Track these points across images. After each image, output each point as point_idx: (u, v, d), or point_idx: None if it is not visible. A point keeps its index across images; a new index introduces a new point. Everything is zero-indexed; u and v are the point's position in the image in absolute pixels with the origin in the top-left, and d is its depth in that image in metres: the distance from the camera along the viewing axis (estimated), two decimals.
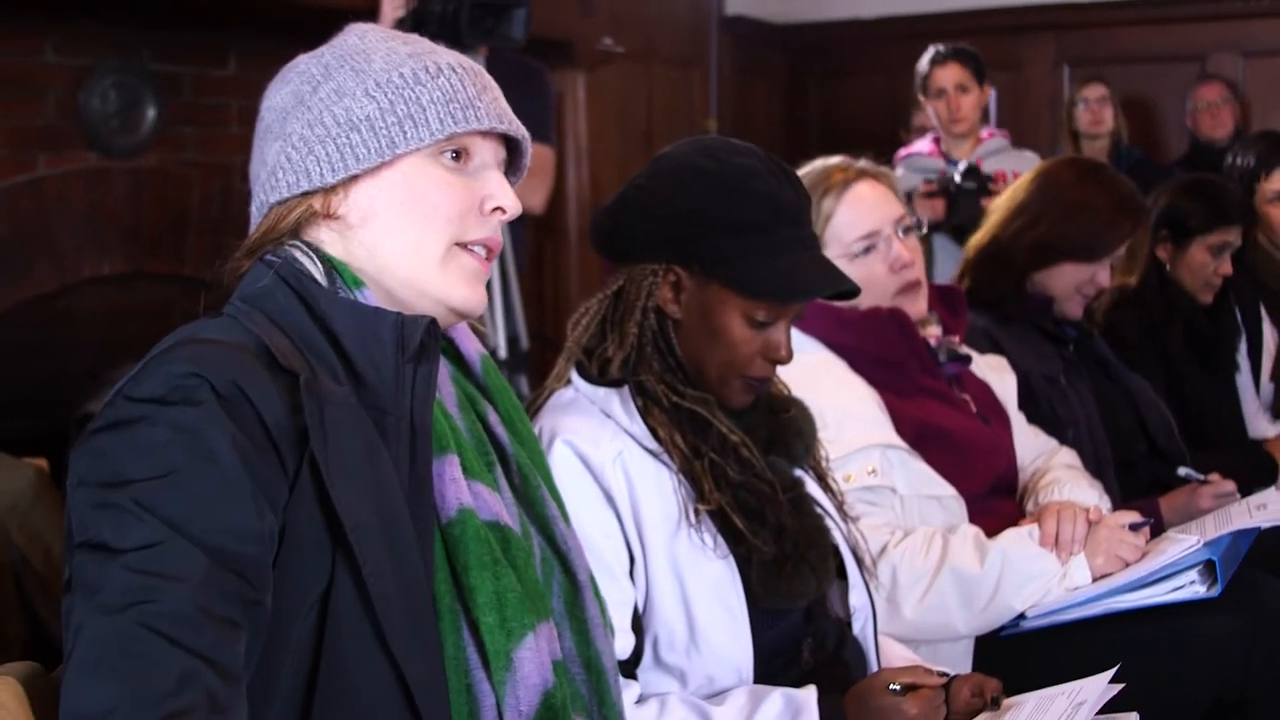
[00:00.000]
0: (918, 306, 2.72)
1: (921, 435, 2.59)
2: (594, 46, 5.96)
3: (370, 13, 3.85)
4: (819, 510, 2.13)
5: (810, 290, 2.07)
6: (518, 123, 1.69)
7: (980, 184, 4.70)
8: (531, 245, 5.42)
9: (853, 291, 2.11)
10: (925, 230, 4.52)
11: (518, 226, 4.09)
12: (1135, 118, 6.70)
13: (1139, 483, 3.17)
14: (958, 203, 4.70)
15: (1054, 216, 3.13)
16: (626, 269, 2.08)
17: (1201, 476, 3.05)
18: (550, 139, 4.44)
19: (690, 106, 7.01)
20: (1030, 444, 2.90)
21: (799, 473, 2.16)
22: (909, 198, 4.67)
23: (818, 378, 2.51)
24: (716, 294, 2.03)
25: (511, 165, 1.73)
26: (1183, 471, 3.12)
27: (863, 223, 2.66)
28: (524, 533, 1.68)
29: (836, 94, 7.68)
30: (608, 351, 2.06)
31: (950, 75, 4.94)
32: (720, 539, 1.99)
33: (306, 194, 1.60)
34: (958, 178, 4.74)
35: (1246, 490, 3.05)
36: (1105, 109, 6.24)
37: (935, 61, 5.03)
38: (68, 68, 4.19)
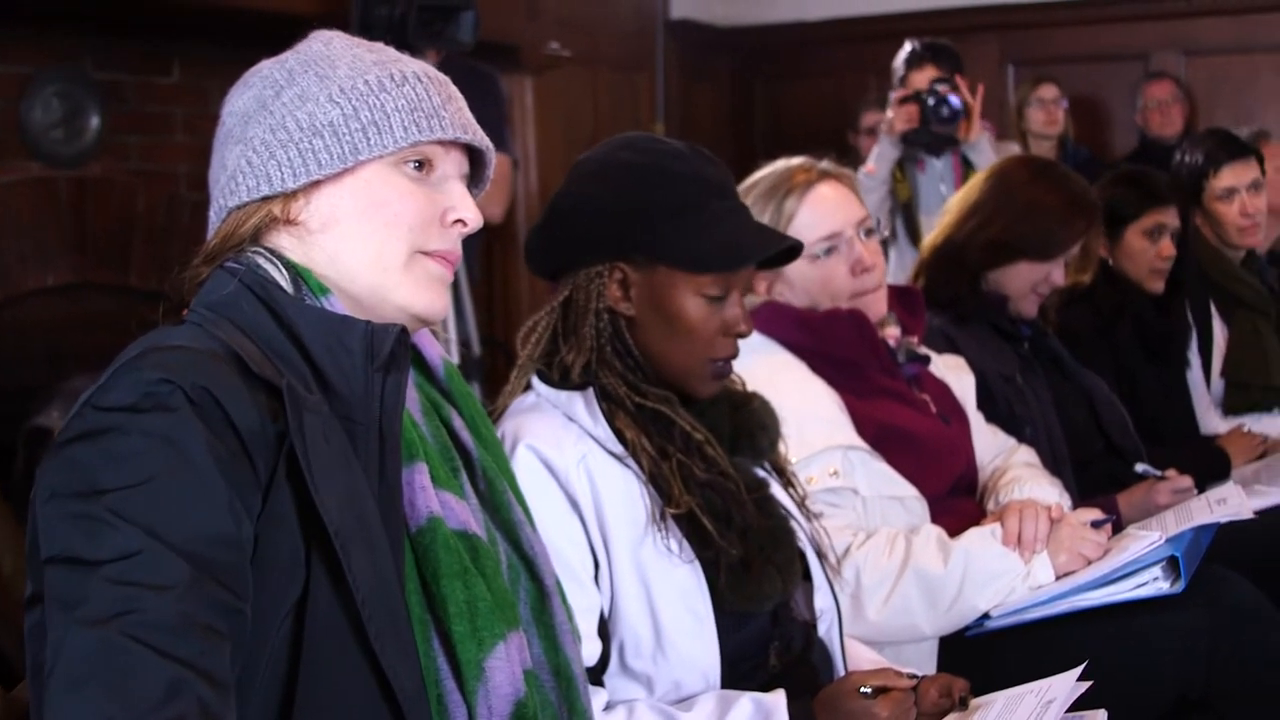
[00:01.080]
0: (877, 308, 2.71)
1: (882, 436, 2.58)
2: (541, 50, 5.94)
3: (319, 19, 3.81)
4: (784, 511, 2.12)
5: (755, 252, 2.07)
6: (482, 134, 1.67)
7: (951, 82, 4.77)
8: (482, 251, 5.40)
9: (795, 249, 2.13)
10: (888, 234, 4.56)
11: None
12: (1079, 117, 6.74)
13: (1096, 480, 3.17)
14: (927, 106, 4.74)
15: (1009, 216, 3.14)
16: (571, 278, 2.07)
17: (1159, 472, 3.06)
18: (508, 147, 4.41)
19: (636, 111, 6.99)
20: (989, 443, 2.90)
21: (763, 474, 2.15)
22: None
23: (778, 379, 2.49)
24: (665, 279, 2.03)
25: (474, 177, 1.72)
26: (1140, 468, 3.12)
27: (825, 224, 2.66)
28: (490, 539, 1.66)
29: (782, 96, 7.69)
30: (566, 359, 2.05)
31: (927, 78, 4.90)
32: (686, 543, 1.98)
33: (266, 199, 1.58)
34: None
35: (1200, 486, 3.07)
36: (1059, 109, 6.28)
37: (911, 64, 5.00)
38: (9, 76, 4.14)
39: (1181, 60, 6.99)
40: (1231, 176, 4.07)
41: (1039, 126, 6.23)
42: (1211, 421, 3.88)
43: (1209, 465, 3.40)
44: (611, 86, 6.83)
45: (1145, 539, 2.44)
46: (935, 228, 3.31)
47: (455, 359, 4.03)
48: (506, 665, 1.54)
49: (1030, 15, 7.23)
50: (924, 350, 2.82)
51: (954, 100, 4.73)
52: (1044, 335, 3.33)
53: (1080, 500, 2.90)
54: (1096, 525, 2.51)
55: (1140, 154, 6.24)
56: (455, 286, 4.17)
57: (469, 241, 4.12)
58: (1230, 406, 4.04)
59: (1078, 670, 2.04)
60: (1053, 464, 2.98)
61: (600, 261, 2.05)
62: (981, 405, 2.95)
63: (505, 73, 5.20)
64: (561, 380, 2.06)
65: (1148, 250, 3.68)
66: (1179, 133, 6.19)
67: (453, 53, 4.14)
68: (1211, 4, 6.94)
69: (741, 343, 2.15)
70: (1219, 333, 4.05)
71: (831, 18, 7.45)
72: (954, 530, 2.52)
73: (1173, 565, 2.42)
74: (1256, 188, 4.08)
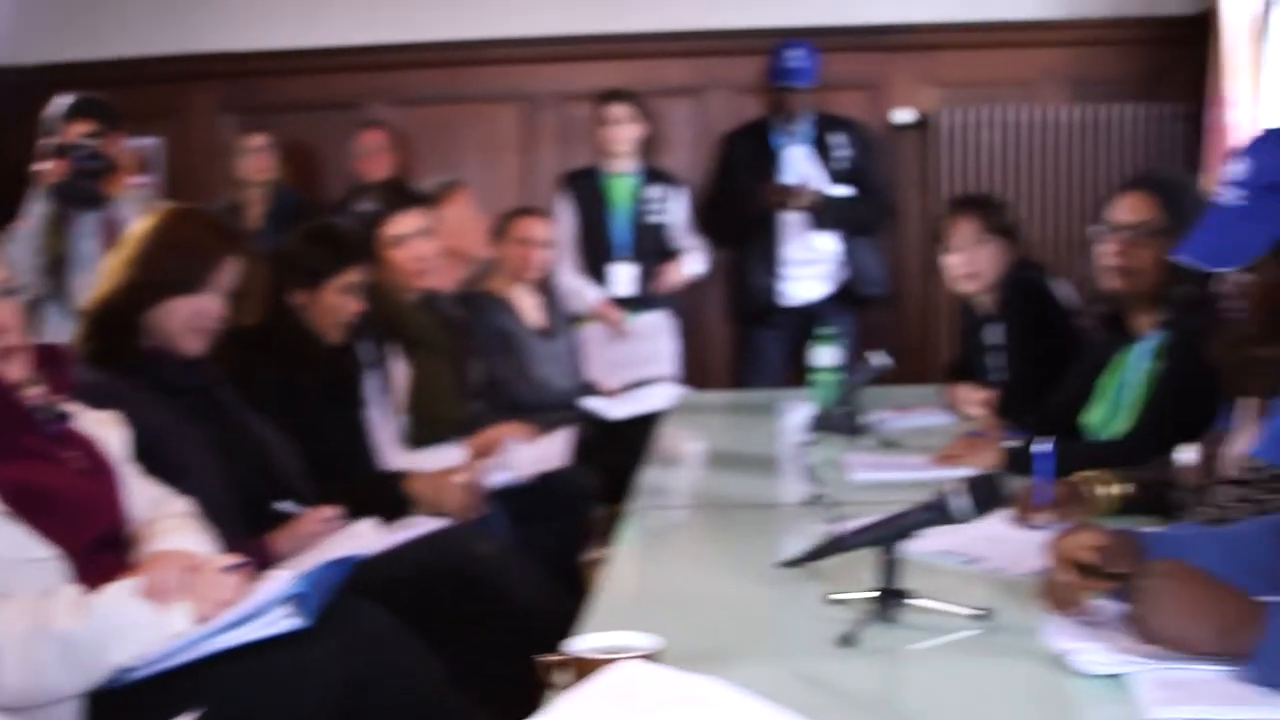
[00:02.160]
0: (16, 369, 2.69)
1: (21, 498, 2.55)
2: None
3: None
4: None
5: None
6: None
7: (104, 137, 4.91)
8: None
9: None
10: (40, 294, 4.55)
11: None
12: (298, 163, 6.94)
13: (266, 525, 3.28)
14: (77, 160, 4.90)
15: (154, 256, 3.29)
16: None
17: (299, 509, 3.22)
18: None
19: None
20: (144, 495, 2.91)
21: None
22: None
23: None
24: None
25: None
26: (281, 506, 3.28)
27: None
28: None
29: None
30: None
31: (80, 132, 4.99)
32: None
33: None
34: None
35: (383, 517, 3.28)
36: (267, 156, 6.43)
37: (66, 117, 5.09)
38: None
39: (394, 110, 7.32)
40: (400, 224, 4.36)
41: (249, 174, 6.38)
42: (394, 458, 4.09)
43: (378, 497, 3.62)
44: None
45: (278, 579, 2.56)
46: (91, 285, 3.34)
47: None
48: None
49: (249, 64, 7.36)
50: (69, 408, 2.81)
51: (103, 155, 4.84)
52: (214, 383, 3.40)
53: (242, 546, 2.99)
54: (234, 569, 2.61)
55: (350, 199, 6.45)
56: None
57: None
58: (415, 440, 4.28)
59: (191, 715, 2.12)
60: (215, 513, 3.03)
61: None
62: (142, 458, 2.97)
63: None
64: None
65: (339, 306, 3.87)
66: (389, 179, 6.46)
67: None
68: (420, 58, 7.32)
69: None
70: (397, 372, 4.29)
71: (43, 63, 7.25)
72: (99, 586, 2.54)
73: (303, 601, 2.54)
74: (425, 234, 4.37)
